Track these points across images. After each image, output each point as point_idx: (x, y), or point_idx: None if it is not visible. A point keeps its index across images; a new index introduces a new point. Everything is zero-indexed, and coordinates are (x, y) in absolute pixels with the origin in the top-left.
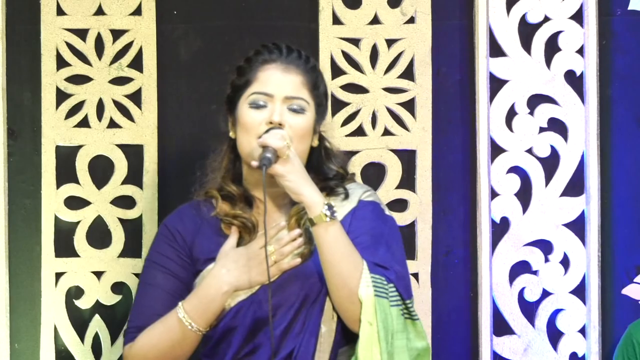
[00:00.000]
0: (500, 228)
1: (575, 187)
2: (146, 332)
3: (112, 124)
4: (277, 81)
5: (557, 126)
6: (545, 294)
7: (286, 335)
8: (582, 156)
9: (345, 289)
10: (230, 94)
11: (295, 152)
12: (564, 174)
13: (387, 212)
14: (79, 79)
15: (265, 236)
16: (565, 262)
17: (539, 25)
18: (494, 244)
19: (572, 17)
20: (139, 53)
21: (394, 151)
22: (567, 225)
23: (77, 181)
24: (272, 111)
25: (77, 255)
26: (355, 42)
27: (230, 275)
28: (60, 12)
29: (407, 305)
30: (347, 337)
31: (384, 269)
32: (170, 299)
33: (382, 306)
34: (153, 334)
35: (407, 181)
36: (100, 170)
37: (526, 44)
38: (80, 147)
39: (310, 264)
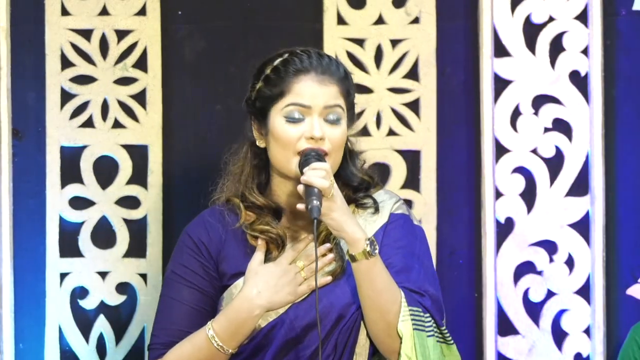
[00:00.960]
0: (505, 228)
1: (579, 187)
2: (175, 350)
3: (117, 124)
4: (314, 92)
5: (561, 126)
6: (550, 294)
7: (316, 357)
8: (587, 156)
9: (382, 322)
10: (259, 104)
11: (333, 165)
12: (568, 174)
13: (416, 221)
14: (84, 79)
15: (315, 276)
16: (569, 262)
17: (544, 25)
18: (499, 244)
19: (577, 18)
20: (144, 53)
21: (399, 151)
22: (571, 225)
23: (81, 181)
24: (311, 126)
25: (82, 256)
26: (359, 42)
27: (261, 298)
28: (64, 12)
29: (442, 331)
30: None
31: (419, 296)
32: (196, 314)
33: (421, 339)
34: (182, 352)
35: (412, 181)
36: (105, 170)
37: (531, 44)
38: (84, 147)
39: (342, 283)
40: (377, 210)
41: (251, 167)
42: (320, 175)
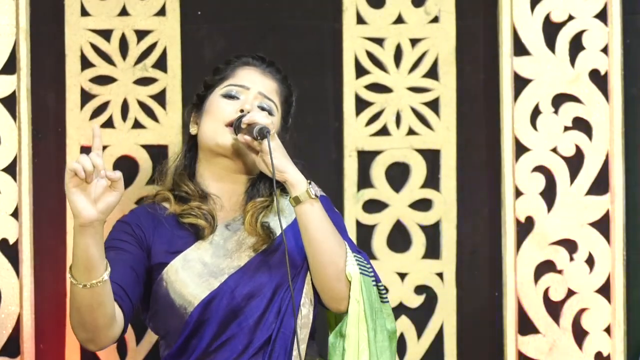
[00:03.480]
0: (525, 227)
1: (600, 186)
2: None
3: (137, 125)
4: (254, 79)
5: (581, 125)
6: (570, 293)
7: (259, 325)
8: (607, 155)
9: (332, 265)
10: (201, 92)
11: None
12: (588, 173)
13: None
14: (104, 80)
15: (278, 213)
16: (590, 261)
17: (563, 24)
18: (519, 243)
19: (597, 16)
20: (163, 53)
21: (419, 151)
22: (592, 224)
23: None
24: (244, 102)
25: None
26: (379, 41)
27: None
28: (84, 12)
29: (379, 287)
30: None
31: (359, 252)
32: (125, 269)
33: (367, 284)
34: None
35: (432, 181)
36: (125, 170)
37: (550, 43)
38: (104, 147)
39: (278, 254)
40: None
41: (183, 157)
42: (261, 114)
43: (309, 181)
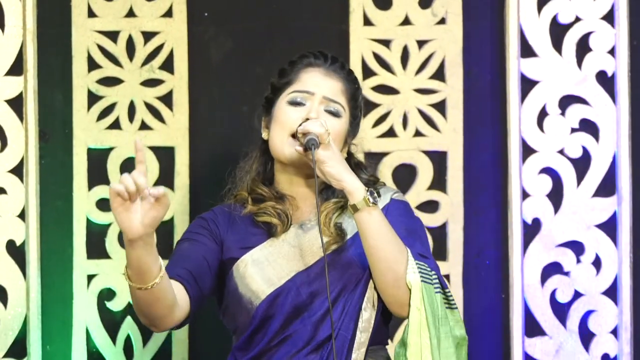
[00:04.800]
0: (532, 229)
1: (606, 187)
2: None
3: (144, 126)
4: (318, 82)
5: (588, 127)
6: (577, 295)
7: (322, 323)
8: (614, 157)
9: (390, 273)
10: (269, 95)
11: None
12: (595, 174)
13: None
14: (110, 81)
15: (318, 214)
16: (596, 263)
17: (570, 25)
18: (526, 245)
19: (604, 18)
20: (170, 55)
21: (425, 152)
22: (598, 226)
23: (108, 183)
24: (309, 109)
25: (109, 257)
26: (386, 43)
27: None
28: (91, 14)
29: (446, 293)
30: (385, 327)
31: (425, 258)
32: (201, 260)
33: (429, 292)
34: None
35: (438, 182)
36: (132, 172)
37: (557, 45)
38: (111, 149)
39: (347, 255)
40: (379, 195)
41: (258, 163)
42: (315, 123)
43: (369, 189)
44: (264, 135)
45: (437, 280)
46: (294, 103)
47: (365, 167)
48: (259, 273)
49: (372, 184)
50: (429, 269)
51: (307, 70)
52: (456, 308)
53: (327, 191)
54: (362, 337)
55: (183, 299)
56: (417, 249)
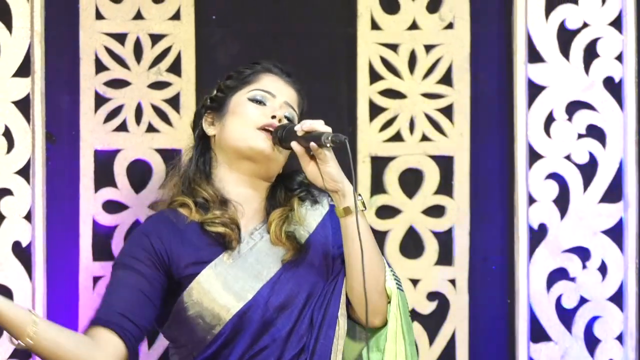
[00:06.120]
0: (538, 235)
1: (613, 193)
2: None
3: (151, 129)
4: (280, 87)
5: (595, 133)
6: (583, 301)
7: (291, 336)
8: (621, 163)
9: (374, 279)
10: (218, 94)
11: (283, 157)
12: (602, 180)
13: None
14: (118, 83)
15: (354, 197)
16: (602, 269)
17: (578, 31)
18: (532, 250)
19: (611, 24)
20: (178, 58)
21: (432, 157)
22: (605, 232)
23: (115, 185)
24: (273, 109)
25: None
26: (393, 47)
27: None
28: (99, 16)
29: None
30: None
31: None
32: (137, 298)
33: (403, 299)
34: None
35: (445, 187)
36: (139, 174)
37: (565, 50)
38: (118, 151)
39: (306, 263)
40: (316, 201)
41: (197, 161)
42: (321, 122)
43: (358, 193)
44: (210, 131)
45: (402, 287)
46: (256, 100)
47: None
48: (222, 289)
49: (306, 185)
50: (396, 275)
51: (267, 75)
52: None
53: (272, 198)
54: (340, 343)
55: (113, 348)
56: None
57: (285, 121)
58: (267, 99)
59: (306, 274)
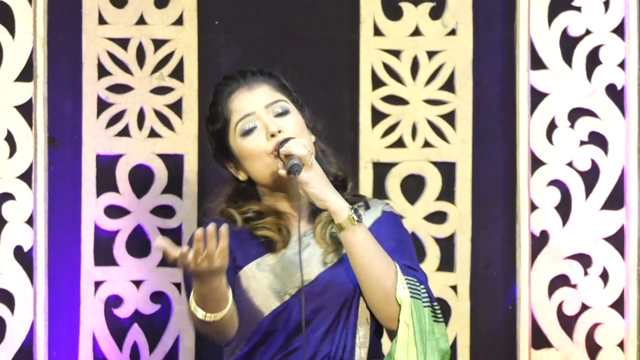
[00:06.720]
0: (540, 241)
1: (615, 200)
2: None
3: (153, 134)
4: (249, 100)
5: (597, 140)
6: (584, 307)
7: (325, 339)
8: (622, 170)
9: (380, 289)
10: (218, 145)
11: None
12: (604, 187)
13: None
14: (120, 88)
15: (299, 243)
16: (604, 276)
17: (580, 38)
18: (533, 257)
19: (614, 31)
20: (180, 63)
21: (434, 163)
22: (606, 239)
23: (117, 190)
24: (265, 126)
25: (117, 264)
26: (396, 53)
27: None
28: (102, 21)
29: (434, 307)
30: (378, 341)
31: (413, 271)
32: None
33: (417, 307)
34: None
35: (447, 193)
36: (141, 179)
37: (567, 57)
38: (120, 156)
39: (344, 269)
40: (368, 207)
41: (241, 191)
42: (298, 144)
43: (353, 206)
44: (241, 176)
45: (426, 294)
46: (246, 132)
47: (331, 154)
48: (261, 287)
49: (342, 181)
50: (417, 284)
51: (232, 99)
52: (442, 321)
53: None
54: (362, 352)
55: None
56: (406, 261)
57: (280, 137)
58: (252, 121)
59: (345, 279)
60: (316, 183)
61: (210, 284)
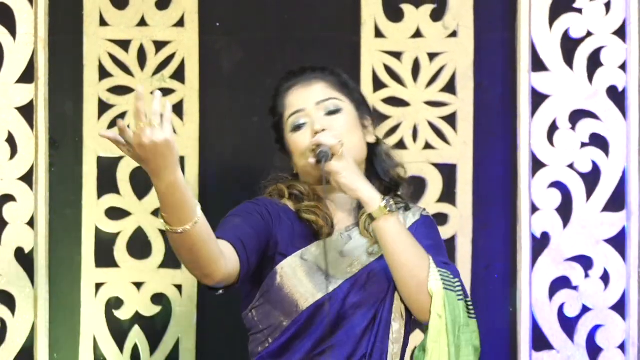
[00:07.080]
0: (541, 243)
1: (616, 202)
2: None
3: None
4: (303, 96)
5: (598, 141)
6: (585, 309)
7: (365, 335)
8: (624, 172)
9: (413, 280)
10: (277, 135)
11: (349, 147)
12: (605, 189)
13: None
14: (121, 90)
15: (324, 242)
16: (605, 277)
17: (582, 40)
18: (534, 258)
19: (615, 33)
20: (181, 64)
21: (435, 165)
22: (607, 240)
23: (118, 192)
24: (312, 123)
25: (117, 266)
26: (397, 55)
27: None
28: (103, 23)
29: (467, 302)
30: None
31: (446, 265)
32: (250, 231)
33: (451, 299)
34: None
35: (448, 195)
36: (141, 181)
37: (568, 59)
38: (121, 157)
39: (382, 265)
40: (407, 208)
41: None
42: (328, 134)
43: (385, 197)
44: (295, 169)
45: (459, 288)
46: (296, 128)
47: (391, 157)
48: (306, 276)
49: (395, 186)
50: (451, 277)
51: (289, 93)
52: (475, 318)
53: None
54: (395, 348)
55: (232, 255)
56: (441, 258)
57: (319, 134)
58: (303, 117)
59: (386, 276)
60: (346, 172)
61: (163, 177)
